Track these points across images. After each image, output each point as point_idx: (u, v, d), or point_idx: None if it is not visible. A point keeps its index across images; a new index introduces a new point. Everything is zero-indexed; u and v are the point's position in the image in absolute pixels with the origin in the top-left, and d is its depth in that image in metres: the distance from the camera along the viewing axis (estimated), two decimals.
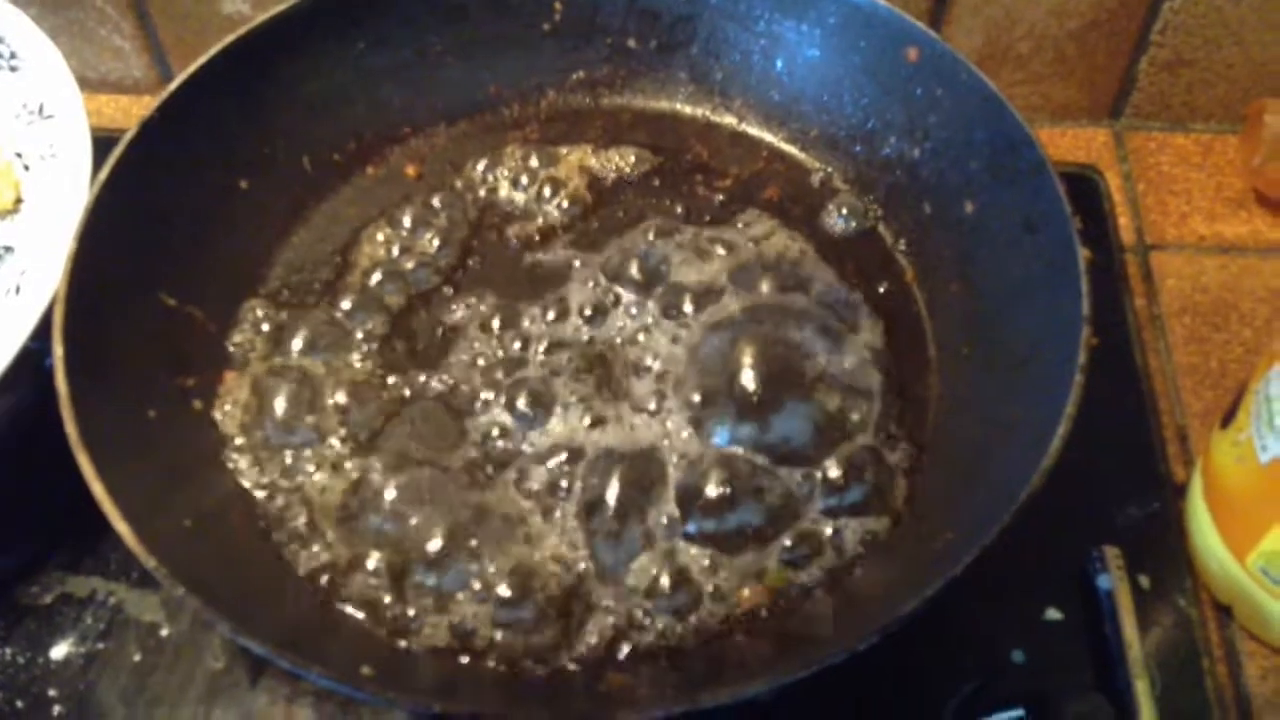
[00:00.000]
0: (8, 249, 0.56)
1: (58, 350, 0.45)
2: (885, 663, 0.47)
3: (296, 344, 0.53)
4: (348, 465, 0.50)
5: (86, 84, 0.74)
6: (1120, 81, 0.69)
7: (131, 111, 0.74)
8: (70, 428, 0.43)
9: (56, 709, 0.49)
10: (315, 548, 0.47)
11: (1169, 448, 0.56)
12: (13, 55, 0.60)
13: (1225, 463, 0.49)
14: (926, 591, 0.38)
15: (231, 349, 0.53)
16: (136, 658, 0.51)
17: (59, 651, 0.51)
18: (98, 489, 0.42)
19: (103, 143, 0.55)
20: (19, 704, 0.49)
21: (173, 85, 0.54)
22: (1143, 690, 0.47)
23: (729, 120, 0.62)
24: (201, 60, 0.55)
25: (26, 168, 0.58)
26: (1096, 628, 0.49)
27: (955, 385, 0.51)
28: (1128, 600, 0.49)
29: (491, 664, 0.43)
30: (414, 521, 0.47)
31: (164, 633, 0.51)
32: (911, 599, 0.38)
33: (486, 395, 0.52)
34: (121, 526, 0.41)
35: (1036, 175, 0.49)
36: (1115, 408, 0.57)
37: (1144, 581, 0.51)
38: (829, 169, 0.59)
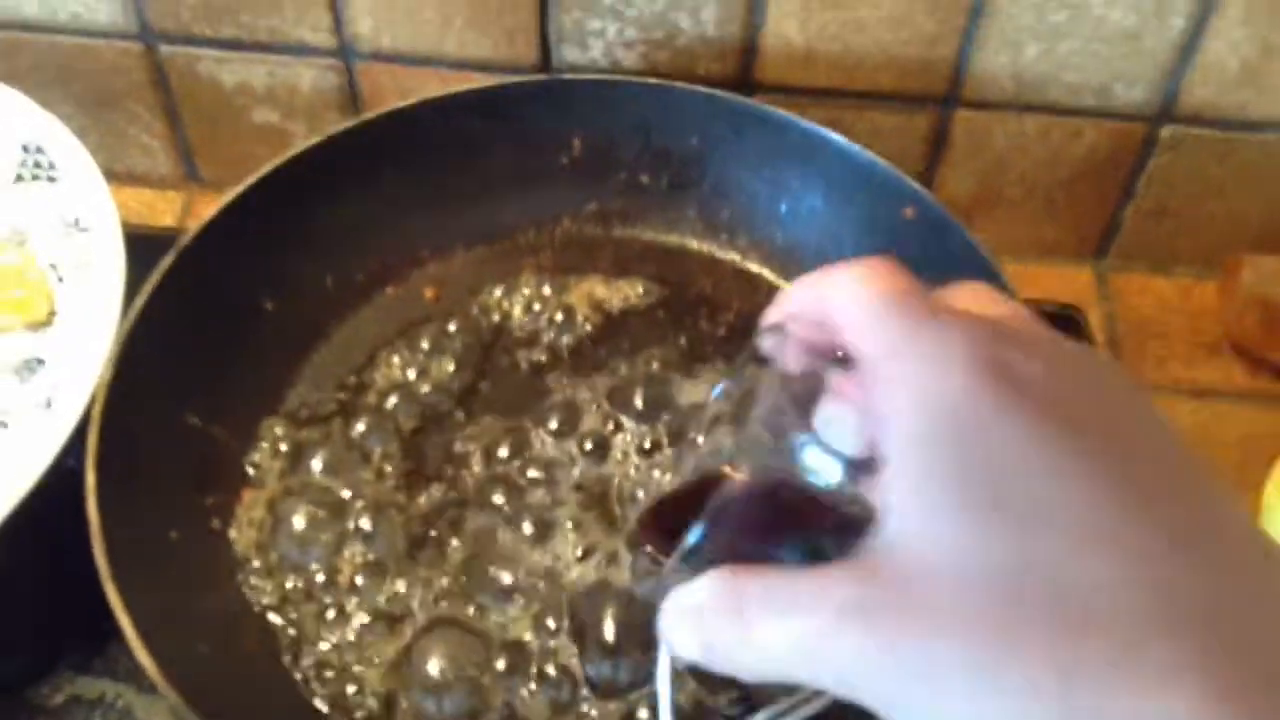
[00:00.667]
0: (40, 361, 0.58)
1: (90, 478, 0.47)
2: None
3: (315, 465, 0.56)
4: (355, 595, 0.52)
5: (111, 177, 0.76)
6: (1105, 225, 0.72)
7: (156, 206, 0.77)
8: (100, 559, 0.45)
9: None
10: (324, 671, 0.49)
11: None
12: (51, 166, 0.63)
13: None
14: None
15: (249, 467, 0.56)
16: None
17: None
18: (125, 621, 0.44)
19: (130, 238, 0.57)
20: None
21: (211, 213, 0.56)
22: None
23: (733, 257, 0.65)
24: (241, 187, 0.57)
25: (60, 279, 0.60)
26: None
27: None
28: None
29: None
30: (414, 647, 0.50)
31: None
32: None
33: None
34: (145, 660, 0.43)
35: None
36: None
37: None
38: None
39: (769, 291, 0.64)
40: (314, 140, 0.59)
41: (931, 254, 0.58)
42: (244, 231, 0.57)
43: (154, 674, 0.43)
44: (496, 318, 0.62)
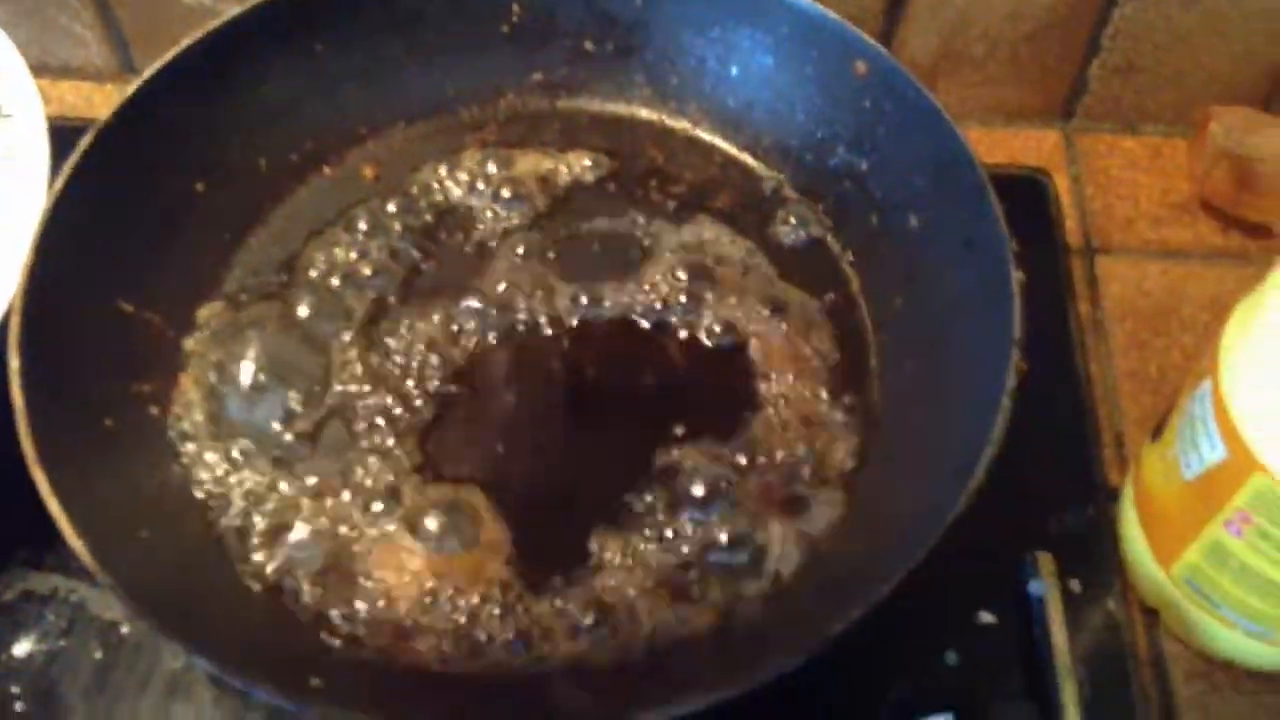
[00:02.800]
0: None
1: (14, 364, 0.46)
2: (822, 667, 0.50)
3: (253, 348, 0.54)
4: (300, 469, 0.51)
5: (47, 71, 0.74)
6: (1072, 84, 0.70)
7: (93, 100, 0.74)
8: (27, 445, 0.44)
9: (19, 705, 0.50)
10: (264, 555, 0.49)
11: (1106, 453, 0.58)
12: None
13: (1153, 476, 0.50)
14: (851, 614, 0.40)
15: (187, 353, 0.54)
16: (98, 655, 0.52)
17: (21, 649, 0.52)
18: (54, 506, 0.43)
19: (66, 131, 0.55)
20: None
21: (131, 89, 0.54)
22: (1069, 694, 0.49)
23: (684, 125, 0.62)
24: (158, 65, 0.55)
25: None
26: (1028, 631, 0.51)
27: (895, 400, 0.53)
28: (1058, 606, 0.51)
29: (438, 672, 0.45)
30: (361, 525, 0.49)
31: (124, 631, 0.52)
32: (836, 620, 0.40)
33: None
34: (77, 543, 0.42)
35: (977, 195, 0.50)
36: (1056, 412, 0.58)
37: (1075, 586, 0.53)
38: (780, 177, 0.60)
39: (723, 162, 0.62)
40: (236, 12, 0.56)
41: (890, 117, 0.56)
42: (166, 111, 0.55)
43: (85, 557, 0.42)
44: (439, 196, 0.60)
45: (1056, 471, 0.56)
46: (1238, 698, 0.51)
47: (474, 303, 0.56)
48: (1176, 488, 0.48)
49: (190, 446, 0.52)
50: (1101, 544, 0.54)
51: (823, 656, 0.49)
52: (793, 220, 0.59)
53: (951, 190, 0.52)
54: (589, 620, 0.46)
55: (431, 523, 0.49)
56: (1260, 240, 0.66)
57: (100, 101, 0.74)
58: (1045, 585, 0.51)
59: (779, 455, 0.51)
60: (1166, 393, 0.60)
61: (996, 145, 0.71)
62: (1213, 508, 0.45)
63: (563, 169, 0.61)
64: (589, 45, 0.62)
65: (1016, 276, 0.47)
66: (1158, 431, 0.51)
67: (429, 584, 0.48)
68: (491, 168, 0.61)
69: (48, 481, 0.43)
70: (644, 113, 0.63)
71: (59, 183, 0.51)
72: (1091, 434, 0.58)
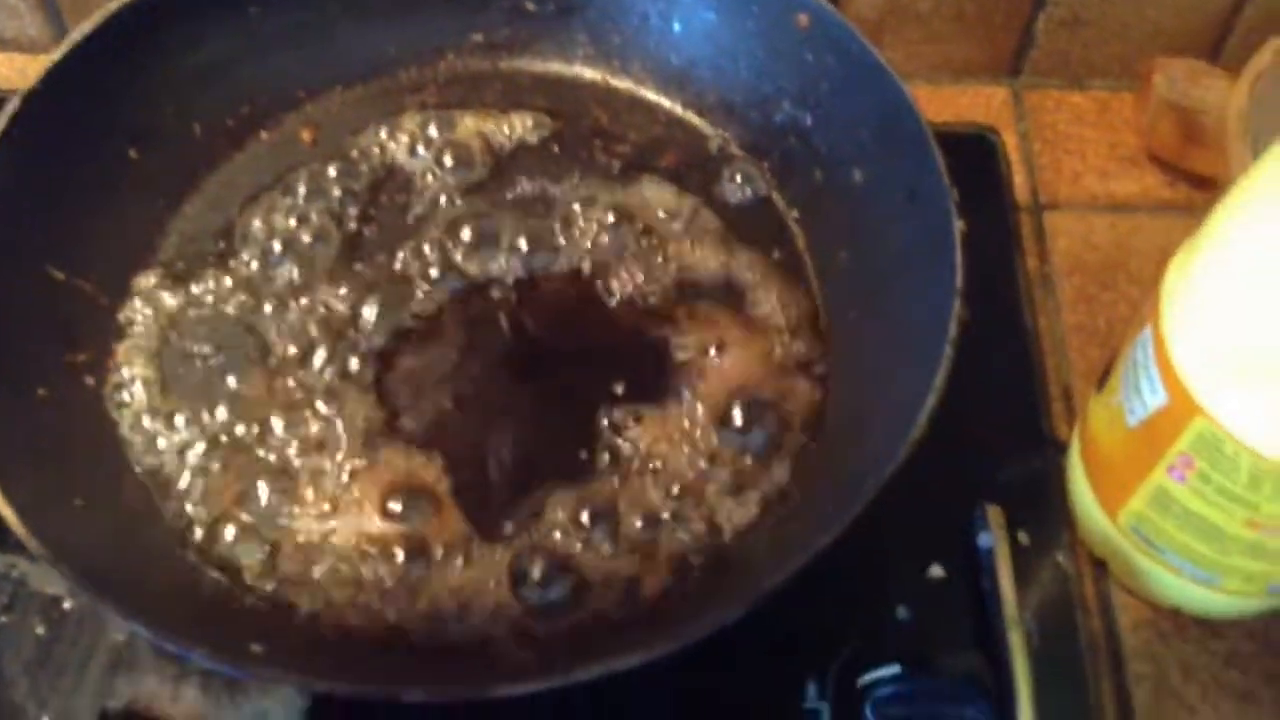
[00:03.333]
0: None
1: None
2: (773, 623, 0.50)
3: (187, 318, 0.53)
4: (236, 444, 0.50)
5: None
6: (1019, 39, 0.69)
7: (27, 72, 0.71)
8: None
9: None
10: (204, 523, 0.48)
11: (1054, 406, 0.58)
12: None
13: (1099, 425, 0.50)
14: (792, 565, 0.40)
15: (123, 322, 0.53)
16: (40, 630, 0.51)
17: None
18: None
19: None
20: None
21: (57, 54, 0.53)
22: (1016, 642, 0.49)
23: (627, 85, 0.62)
24: (86, 27, 0.53)
25: None
26: (977, 584, 0.51)
27: (842, 354, 0.52)
28: (1006, 558, 0.51)
29: (382, 636, 0.44)
30: (304, 490, 0.48)
31: (67, 605, 0.51)
32: (778, 573, 0.39)
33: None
34: (6, 510, 0.41)
35: (919, 147, 0.50)
36: (1004, 366, 0.58)
37: (1023, 538, 0.53)
38: (725, 135, 0.60)
39: (667, 121, 0.61)
40: None
41: (833, 70, 0.56)
42: (96, 75, 0.54)
43: (14, 524, 0.41)
44: (379, 160, 0.59)
45: (1005, 425, 0.56)
46: (1184, 645, 0.51)
47: (416, 264, 0.55)
48: (1121, 436, 0.48)
49: (127, 416, 0.51)
50: (1050, 496, 0.54)
51: (775, 615, 0.49)
52: (738, 178, 0.58)
53: (894, 143, 0.52)
54: (536, 573, 0.46)
55: (378, 483, 0.48)
56: (1207, 192, 0.66)
57: (35, 73, 0.72)
58: (994, 538, 0.51)
59: (724, 412, 0.51)
60: (1114, 346, 0.59)
61: (944, 103, 0.70)
62: (1156, 454, 0.45)
63: (505, 130, 0.60)
64: (530, 4, 0.61)
65: (958, 226, 0.47)
66: (1103, 381, 0.51)
67: (375, 546, 0.47)
68: (432, 130, 0.60)
69: None
70: (587, 72, 0.62)
71: None
72: (1039, 388, 0.58)
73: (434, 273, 0.55)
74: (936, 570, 0.52)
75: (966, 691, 0.47)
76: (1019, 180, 0.66)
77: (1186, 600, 0.50)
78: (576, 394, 0.52)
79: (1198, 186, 0.66)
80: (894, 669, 0.47)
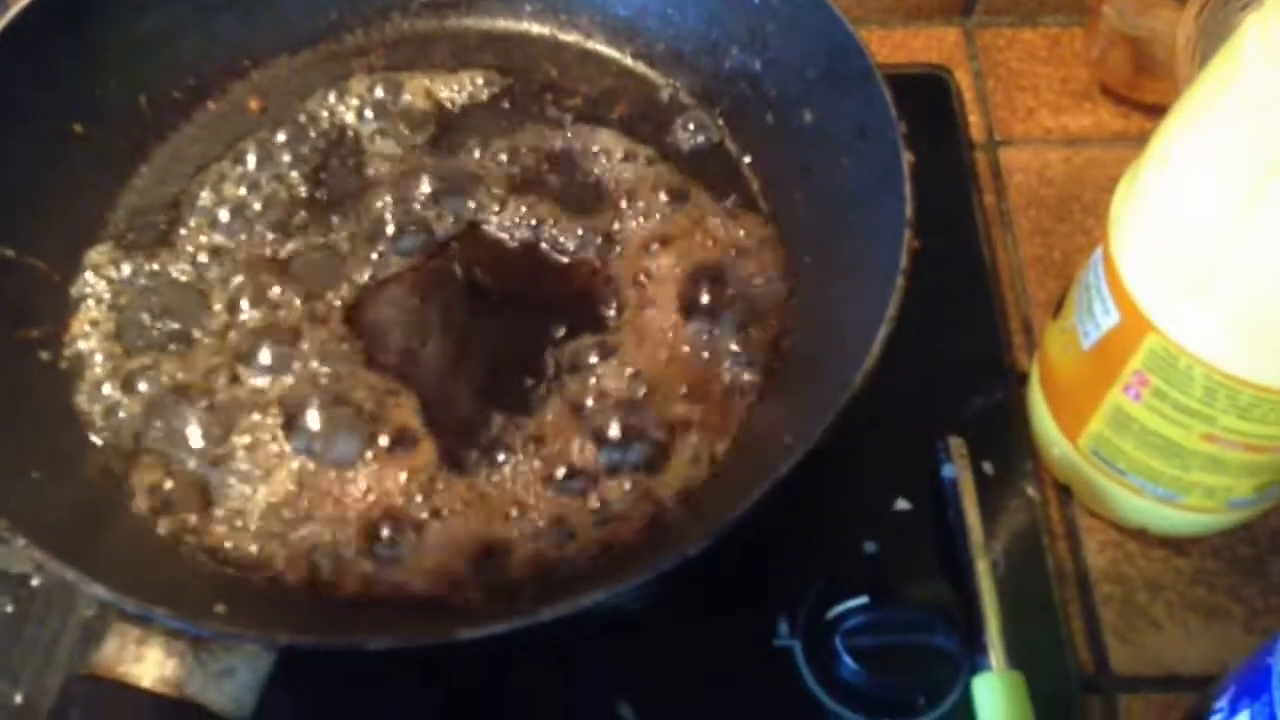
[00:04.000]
0: None
1: None
2: (742, 563, 0.50)
3: (141, 289, 0.53)
4: (192, 412, 0.50)
5: None
6: None
7: None
8: None
9: None
10: (162, 489, 0.48)
11: (1014, 338, 0.58)
12: None
13: (1055, 351, 0.51)
14: (754, 495, 0.40)
15: (76, 297, 0.53)
16: (9, 609, 0.51)
17: None
18: None
19: None
20: None
21: None
22: (983, 570, 0.49)
23: (576, 38, 0.61)
24: (16, 8, 0.53)
25: None
26: (943, 516, 0.52)
27: (799, 295, 0.52)
28: (970, 488, 0.51)
29: (347, 595, 0.44)
30: (265, 451, 0.48)
31: (34, 583, 0.51)
32: (739, 505, 0.40)
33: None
34: None
35: (866, 82, 0.50)
36: (964, 302, 0.59)
37: (988, 468, 0.53)
38: (676, 84, 0.60)
39: (618, 72, 0.61)
40: None
41: (779, 12, 0.56)
42: (35, 50, 0.53)
43: None
44: (328, 125, 0.59)
45: (966, 359, 0.57)
46: (1150, 564, 0.52)
47: (370, 223, 0.55)
48: (1076, 359, 0.48)
49: (83, 388, 0.50)
50: (1012, 426, 0.55)
51: (744, 556, 0.50)
52: (691, 126, 0.58)
53: (842, 80, 0.52)
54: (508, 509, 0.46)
55: (340, 437, 0.48)
56: (1158, 122, 0.66)
57: None
58: (957, 469, 0.52)
59: (683, 350, 0.51)
60: (1069, 276, 0.60)
61: (897, 45, 0.70)
62: (1111, 374, 0.46)
63: (454, 89, 0.60)
64: None
65: (906, 158, 0.47)
66: (1058, 308, 0.51)
67: (340, 502, 0.47)
68: (380, 92, 0.59)
69: None
70: (535, 28, 0.62)
71: None
72: (999, 320, 0.58)
73: (389, 230, 0.55)
74: (902, 504, 0.53)
75: (934, 620, 0.47)
76: (973, 119, 0.67)
77: (1150, 520, 0.51)
78: (533, 336, 0.52)
79: (1150, 116, 0.66)
80: (862, 600, 0.47)
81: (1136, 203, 0.44)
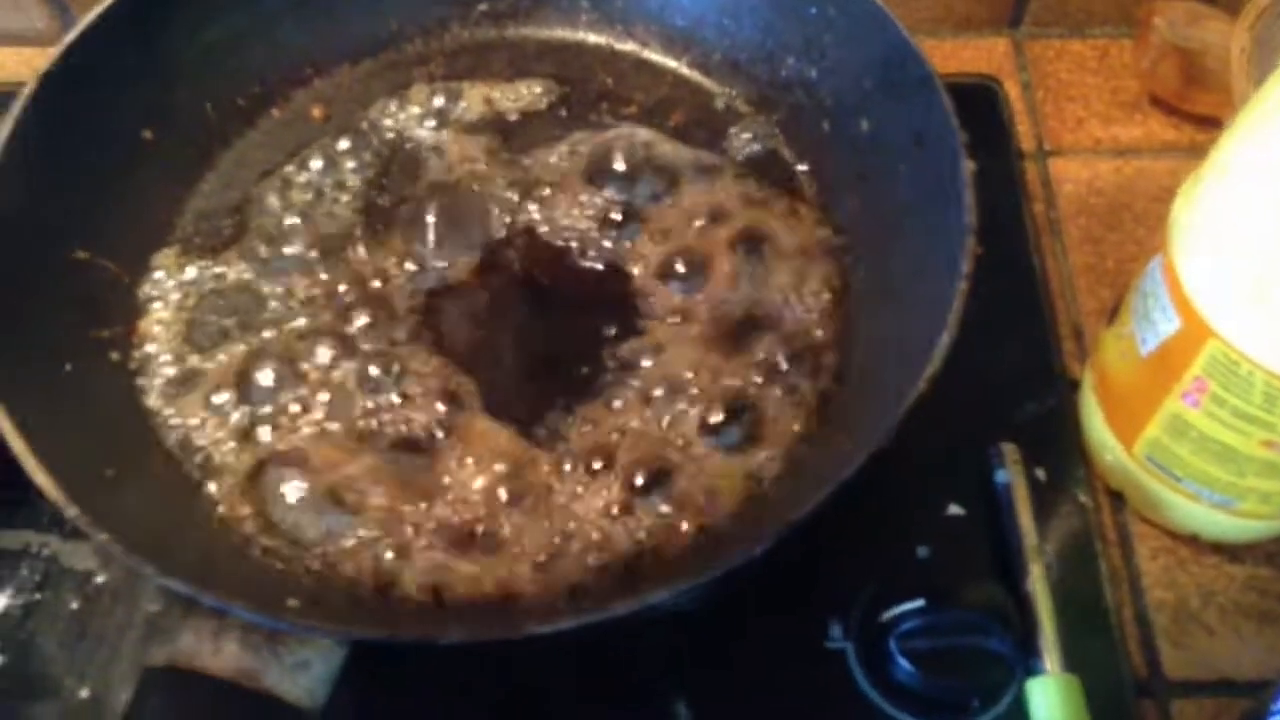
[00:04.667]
0: None
1: None
2: (796, 566, 0.50)
3: (208, 291, 0.54)
4: (261, 410, 0.51)
5: None
6: None
7: (34, 64, 0.72)
8: None
9: None
10: (235, 489, 0.49)
11: (1065, 345, 0.59)
12: None
13: (1111, 357, 0.51)
14: (819, 497, 0.40)
15: (145, 299, 0.54)
16: (74, 605, 0.52)
17: None
18: (17, 445, 0.43)
19: (6, 98, 0.55)
20: None
21: (70, 36, 0.53)
22: (1037, 574, 0.50)
23: (632, 48, 0.62)
24: (99, 10, 0.54)
25: None
26: (996, 521, 0.52)
27: (857, 302, 0.53)
28: (1024, 493, 0.52)
29: (415, 596, 0.45)
30: (331, 464, 0.49)
31: (99, 580, 0.52)
32: (803, 507, 0.40)
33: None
34: (42, 479, 0.42)
35: (924, 90, 0.50)
36: (1015, 310, 0.59)
37: (1041, 474, 0.54)
38: (732, 92, 0.60)
39: (674, 81, 0.62)
40: None
41: (835, 22, 0.56)
42: (108, 59, 0.54)
43: (51, 493, 0.42)
44: (390, 133, 0.60)
45: (1018, 366, 0.57)
46: (1203, 570, 0.52)
47: (428, 228, 0.56)
48: (1134, 365, 0.49)
49: (152, 388, 0.51)
50: (1065, 432, 0.55)
51: (797, 558, 0.50)
52: (746, 134, 0.59)
53: (900, 88, 0.52)
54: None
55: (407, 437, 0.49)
56: (1209, 133, 0.66)
57: (42, 66, 0.73)
58: (1011, 474, 0.52)
59: (752, 357, 0.51)
60: (1122, 285, 0.60)
61: (946, 56, 0.71)
62: (1170, 380, 0.46)
63: (512, 98, 0.61)
64: None
65: (967, 165, 0.48)
66: (1113, 314, 0.51)
67: (411, 504, 0.48)
68: (440, 101, 0.60)
69: (11, 424, 0.43)
70: (591, 37, 0.63)
71: (5, 130, 0.50)
72: (1050, 327, 0.58)
73: (448, 236, 0.56)
74: (955, 509, 0.53)
75: (989, 623, 0.48)
76: (1023, 129, 0.67)
77: (1204, 526, 0.51)
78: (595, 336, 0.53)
79: (1200, 128, 0.66)
80: (917, 603, 0.48)
81: (1197, 211, 0.44)
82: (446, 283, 0.55)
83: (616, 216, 0.56)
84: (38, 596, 0.52)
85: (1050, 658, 0.47)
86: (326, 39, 0.61)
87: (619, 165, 0.57)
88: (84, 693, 0.50)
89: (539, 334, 0.54)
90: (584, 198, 0.56)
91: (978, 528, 0.52)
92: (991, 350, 0.56)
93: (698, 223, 0.56)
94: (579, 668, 0.48)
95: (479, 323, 0.54)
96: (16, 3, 0.72)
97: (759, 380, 0.51)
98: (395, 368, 0.51)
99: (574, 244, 0.56)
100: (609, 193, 0.56)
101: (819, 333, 0.53)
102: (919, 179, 0.51)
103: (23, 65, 0.73)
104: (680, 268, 0.54)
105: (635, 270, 0.55)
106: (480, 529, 0.47)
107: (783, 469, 0.49)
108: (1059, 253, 0.62)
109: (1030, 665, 0.47)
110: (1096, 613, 0.50)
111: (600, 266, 0.55)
